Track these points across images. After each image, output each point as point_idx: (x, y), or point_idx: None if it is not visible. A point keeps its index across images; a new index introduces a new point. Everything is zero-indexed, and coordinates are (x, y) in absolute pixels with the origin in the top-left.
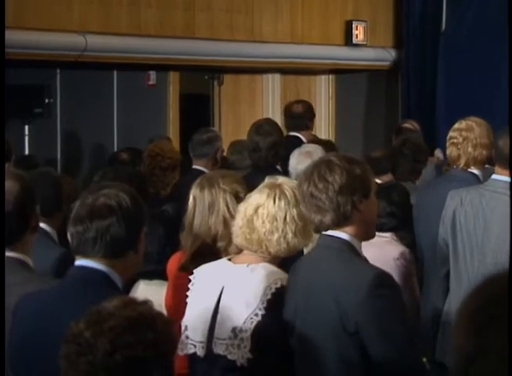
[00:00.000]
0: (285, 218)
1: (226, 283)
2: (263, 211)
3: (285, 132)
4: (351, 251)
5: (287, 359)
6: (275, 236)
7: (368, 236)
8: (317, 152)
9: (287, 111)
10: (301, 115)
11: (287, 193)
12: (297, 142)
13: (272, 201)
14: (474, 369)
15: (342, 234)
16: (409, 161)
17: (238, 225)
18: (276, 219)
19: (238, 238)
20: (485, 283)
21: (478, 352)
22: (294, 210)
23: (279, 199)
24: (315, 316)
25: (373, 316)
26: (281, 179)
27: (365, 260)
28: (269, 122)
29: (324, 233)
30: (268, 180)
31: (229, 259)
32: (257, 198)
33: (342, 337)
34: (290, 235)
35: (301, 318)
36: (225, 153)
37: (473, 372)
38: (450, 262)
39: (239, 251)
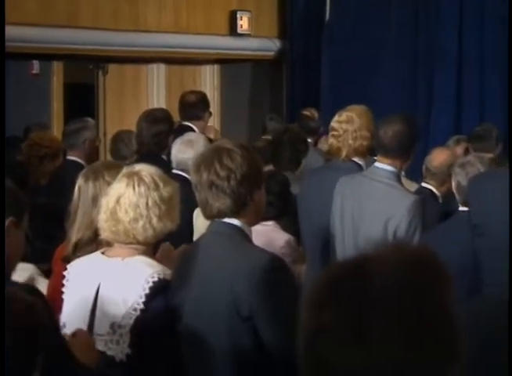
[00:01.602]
0: (147, 203)
1: (102, 278)
2: (124, 201)
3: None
4: (243, 237)
5: (172, 351)
6: (140, 223)
7: (256, 223)
8: (199, 141)
9: (181, 101)
10: (193, 105)
11: (146, 179)
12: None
13: (131, 189)
14: (314, 346)
15: (235, 221)
16: (289, 151)
17: (103, 219)
18: (139, 206)
19: (105, 232)
20: (334, 265)
21: (317, 329)
22: (155, 194)
23: (139, 186)
24: (208, 302)
25: (266, 299)
26: (138, 167)
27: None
28: (160, 111)
29: (216, 219)
30: (125, 169)
31: (103, 253)
32: (117, 189)
33: (235, 322)
34: (154, 220)
35: (192, 305)
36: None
37: (313, 349)
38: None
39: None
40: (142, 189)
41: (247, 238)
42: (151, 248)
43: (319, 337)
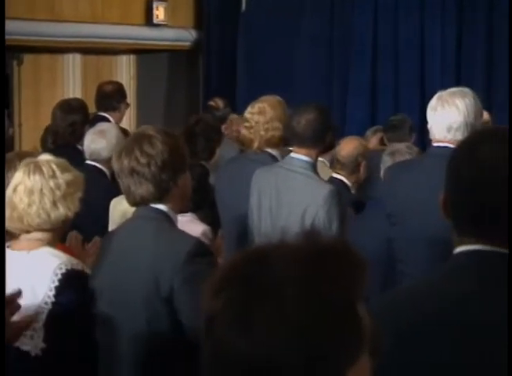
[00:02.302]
0: (41, 189)
1: (9, 273)
2: (20, 188)
3: None
4: (169, 221)
5: (88, 343)
6: (34, 208)
7: (182, 208)
8: (111, 131)
9: (98, 91)
10: (109, 95)
11: (43, 167)
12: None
13: (27, 177)
14: (211, 330)
15: (160, 205)
16: (202, 141)
17: (5, 208)
18: (33, 192)
19: (6, 221)
20: (239, 253)
21: (213, 314)
22: (51, 181)
23: (34, 173)
24: (129, 285)
25: (187, 281)
26: (40, 156)
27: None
28: (74, 100)
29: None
30: (26, 160)
31: (8, 246)
32: (16, 178)
33: (154, 303)
34: (48, 205)
35: (112, 292)
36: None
37: (211, 333)
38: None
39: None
40: (38, 176)
41: (173, 223)
42: (56, 239)
43: (214, 322)
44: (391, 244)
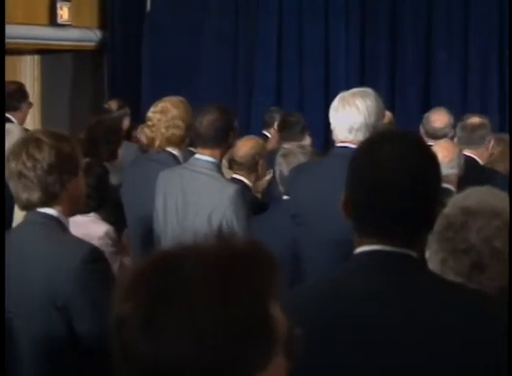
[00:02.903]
0: None
1: None
2: None
3: None
4: (60, 226)
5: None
6: None
7: (75, 212)
8: (14, 131)
9: None
10: (9, 95)
11: None
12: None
13: None
14: (120, 334)
15: (50, 210)
16: (102, 142)
17: None
18: None
19: None
20: (148, 256)
21: (121, 318)
22: None
23: None
24: (24, 294)
25: (82, 289)
26: None
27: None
28: None
29: (31, 210)
30: None
31: None
32: None
33: (50, 311)
34: None
35: (12, 294)
36: None
37: (119, 337)
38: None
39: None
40: None
41: (64, 227)
42: None
43: (122, 325)
44: (296, 244)
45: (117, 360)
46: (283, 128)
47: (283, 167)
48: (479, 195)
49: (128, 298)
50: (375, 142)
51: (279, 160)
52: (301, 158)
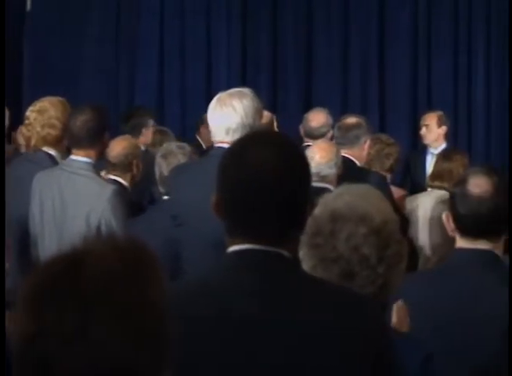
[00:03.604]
0: None
1: None
2: None
3: None
4: None
5: None
6: None
7: None
8: None
9: None
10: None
11: None
12: None
13: None
14: (34, 347)
15: None
16: None
17: None
18: None
19: None
20: (47, 263)
21: (37, 330)
22: None
23: None
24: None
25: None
26: None
27: None
28: None
29: None
30: None
31: None
32: None
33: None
34: None
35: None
36: None
37: (32, 354)
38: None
39: None
40: None
41: None
42: None
43: (39, 337)
44: (176, 245)
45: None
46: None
47: (162, 167)
48: (349, 198)
49: (45, 308)
50: (244, 142)
51: (158, 160)
52: (180, 158)
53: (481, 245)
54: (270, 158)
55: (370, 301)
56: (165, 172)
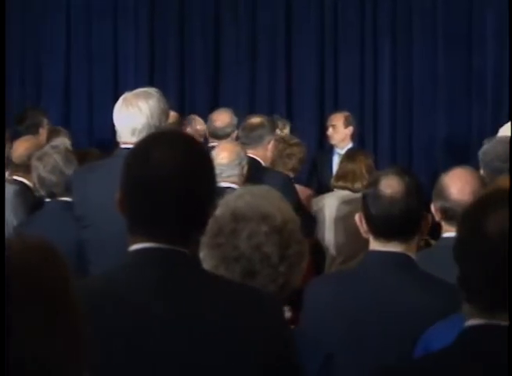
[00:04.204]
0: None
1: None
2: None
3: None
4: None
5: None
6: None
7: None
8: None
9: None
10: None
11: None
12: None
13: None
14: None
15: None
16: None
17: None
18: None
19: None
20: None
21: None
22: None
23: None
24: None
25: None
26: None
27: None
28: None
29: None
30: None
31: None
32: None
33: None
34: None
35: None
36: None
37: None
38: None
39: None
40: None
41: None
42: None
43: None
44: (83, 245)
45: None
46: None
47: (39, 169)
48: (250, 198)
49: None
50: (146, 142)
51: (34, 163)
52: (56, 158)
53: (394, 247)
54: (171, 158)
55: (271, 299)
56: (43, 174)
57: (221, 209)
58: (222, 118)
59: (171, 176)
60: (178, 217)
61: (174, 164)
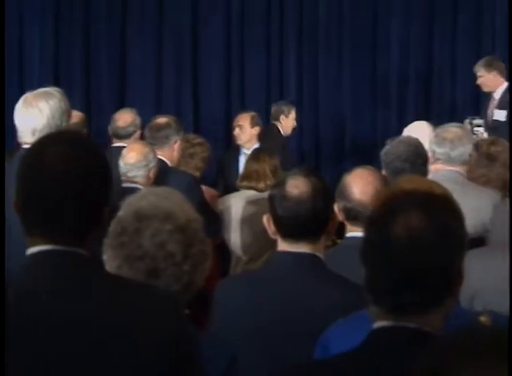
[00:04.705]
0: None
1: None
2: None
3: None
4: None
5: None
6: None
7: None
8: None
9: None
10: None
11: None
12: None
13: None
14: None
15: None
16: None
17: None
18: None
19: None
20: None
21: None
22: None
23: None
24: None
25: None
26: None
27: None
28: None
29: None
30: None
31: None
32: None
33: None
34: None
35: None
36: None
37: None
38: None
39: None
40: None
41: None
42: None
43: None
44: None
45: None
46: None
47: None
48: (153, 198)
49: None
50: (40, 143)
51: None
52: None
53: (302, 248)
54: (63, 157)
55: (171, 299)
56: None
57: (124, 210)
58: (124, 118)
59: (62, 176)
60: (70, 217)
61: (65, 163)
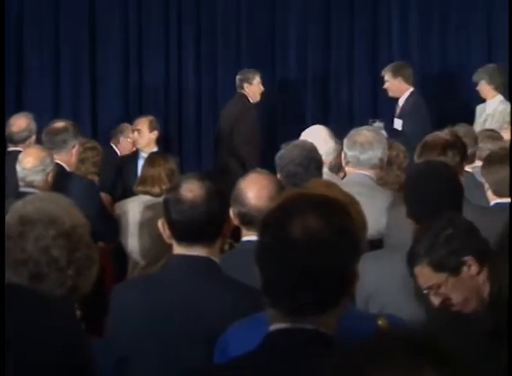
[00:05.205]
0: None
1: None
2: None
3: None
4: None
5: None
6: None
7: None
8: None
9: None
10: None
11: None
12: None
13: None
14: None
15: None
16: None
17: None
18: None
19: None
20: None
21: None
22: None
23: None
24: None
25: None
26: None
27: None
28: None
29: None
30: None
31: None
32: None
33: None
34: None
35: None
36: None
37: None
38: None
39: None
40: None
41: None
42: None
43: None
44: None
45: None
46: None
47: None
48: (38, 203)
49: None
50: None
51: None
52: None
53: (197, 251)
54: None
55: (60, 302)
56: None
57: (10, 215)
58: (19, 123)
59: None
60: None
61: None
